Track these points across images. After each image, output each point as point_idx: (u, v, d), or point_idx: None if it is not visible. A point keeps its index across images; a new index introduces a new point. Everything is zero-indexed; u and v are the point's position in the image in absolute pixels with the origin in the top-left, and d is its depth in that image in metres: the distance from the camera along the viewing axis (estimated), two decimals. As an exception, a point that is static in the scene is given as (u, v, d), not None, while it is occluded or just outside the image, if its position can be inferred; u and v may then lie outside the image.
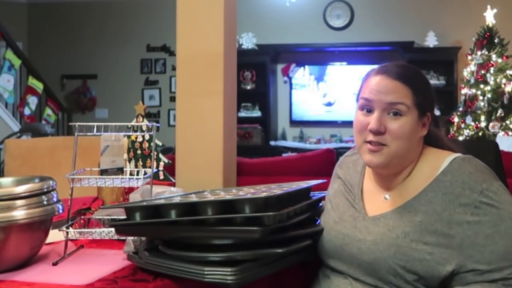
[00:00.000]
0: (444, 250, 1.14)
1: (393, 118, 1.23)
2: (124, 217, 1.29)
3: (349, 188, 1.38)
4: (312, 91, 7.00)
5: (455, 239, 1.14)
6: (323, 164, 3.01)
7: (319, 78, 6.98)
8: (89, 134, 1.41)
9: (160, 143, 1.67)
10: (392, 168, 1.26)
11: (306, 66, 6.98)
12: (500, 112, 5.49)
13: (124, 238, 1.35)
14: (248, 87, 6.99)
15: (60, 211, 1.29)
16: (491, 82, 5.57)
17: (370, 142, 1.23)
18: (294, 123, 7.13)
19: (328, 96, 6.96)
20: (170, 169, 1.74)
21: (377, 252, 1.19)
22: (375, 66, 1.31)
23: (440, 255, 1.14)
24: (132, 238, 1.31)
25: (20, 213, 1.18)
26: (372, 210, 1.29)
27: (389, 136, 1.22)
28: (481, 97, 5.60)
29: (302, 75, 7.01)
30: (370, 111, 1.25)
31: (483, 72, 5.61)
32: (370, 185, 1.35)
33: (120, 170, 1.48)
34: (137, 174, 1.53)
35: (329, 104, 6.97)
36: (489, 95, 5.56)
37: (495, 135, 5.42)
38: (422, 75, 1.31)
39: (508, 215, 1.14)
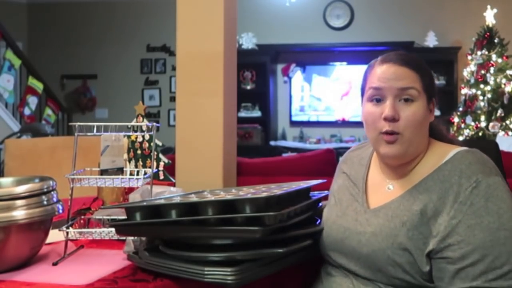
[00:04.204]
0: (434, 238, 1.14)
1: (406, 104, 1.22)
2: (124, 217, 1.29)
3: (353, 182, 1.38)
4: (311, 91, 7.00)
5: (442, 226, 1.13)
6: (323, 164, 3.01)
7: (319, 78, 6.98)
8: (89, 134, 1.40)
9: (160, 143, 1.67)
10: (407, 158, 1.25)
11: (306, 66, 6.98)
12: (500, 112, 5.49)
13: (124, 238, 1.35)
14: (248, 87, 6.99)
15: (60, 211, 1.29)
16: (491, 82, 5.57)
17: (386, 133, 1.22)
18: (294, 123, 7.13)
19: (328, 96, 6.96)
20: (170, 169, 1.74)
21: (375, 244, 1.19)
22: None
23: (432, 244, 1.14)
24: (132, 238, 1.31)
25: (20, 213, 1.18)
26: (375, 202, 1.29)
27: (402, 123, 1.21)
28: (481, 97, 5.60)
29: (302, 75, 7.01)
30: (380, 100, 1.23)
31: (483, 72, 5.62)
32: (376, 176, 1.34)
33: (120, 170, 1.48)
34: (137, 174, 1.53)
35: (329, 104, 6.98)
36: (489, 95, 5.56)
37: (495, 135, 5.42)
38: (424, 62, 1.30)
39: (496, 210, 1.11)
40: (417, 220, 1.16)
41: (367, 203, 1.30)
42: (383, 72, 1.24)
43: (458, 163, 1.19)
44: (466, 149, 1.24)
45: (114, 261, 1.29)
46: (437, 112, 7.00)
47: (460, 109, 5.83)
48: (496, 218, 1.11)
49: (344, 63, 6.87)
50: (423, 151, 1.27)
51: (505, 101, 5.49)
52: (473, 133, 5.58)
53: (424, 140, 1.27)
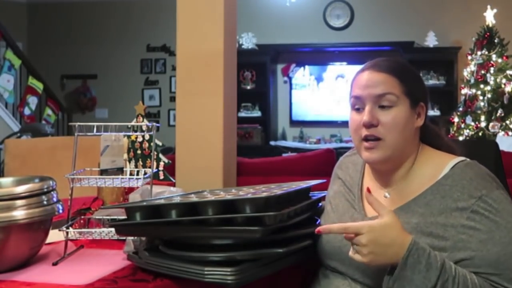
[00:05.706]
0: (437, 252, 1.12)
1: (385, 110, 1.23)
2: (124, 217, 1.29)
3: (349, 188, 1.38)
4: (312, 91, 7.00)
5: (449, 241, 1.13)
6: (323, 164, 3.01)
7: (319, 78, 6.98)
8: (89, 134, 1.41)
9: (160, 143, 1.67)
10: (392, 163, 1.26)
11: (306, 66, 6.98)
12: (500, 112, 5.49)
13: (124, 238, 1.35)
14: (248, 87, 6.99)
15: (60, 211, 1.29)
16: (491, 82, 5.57)
17: (366, 139, 1.23)
18: (294, 123, 7.13)
19: (328, 96, 6.96)
20: (170, 169, 1.74)
21: None
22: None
23: None
24: (132, 238, 1.31)
25: (20, 213, 1.18)
26: (371, 210, 1.28)
27: (382, 128, 1.22)
28: (481, 97, 5.60)
29: (302, 75, 7.01)
30: (362, 108, 1.25)
31: (483, 72, 5.62)
32: (370, 183, 1.34)
33: (120, 170, 1.48)
34: (137, 174, 1.53)
35: (329, 104, 6.97)
36: (489, 95, 5.56)
37: (495, 135, 5.42)
38: (410, 67, 1.31)
39: (504, 224, 1.12)
40: (416, 233, 1.15)
41: (364, 210, 1.30)
42: (363, 80, 1.26)
43: (459, 178, 1.18)
44: (464, 161, 1.23)
45: (114, 261, 1.29)
46: (437, 112, 6.99)
47: (460, 109, 5.83)
48: (506, 232, 1.12)
49: (344, 63, 6.87)
50: (411, 156, 1.27)
51: (505, 101, 5.49)
52: (473, 133, 5.58)
53: (411, 145, 1.27)
